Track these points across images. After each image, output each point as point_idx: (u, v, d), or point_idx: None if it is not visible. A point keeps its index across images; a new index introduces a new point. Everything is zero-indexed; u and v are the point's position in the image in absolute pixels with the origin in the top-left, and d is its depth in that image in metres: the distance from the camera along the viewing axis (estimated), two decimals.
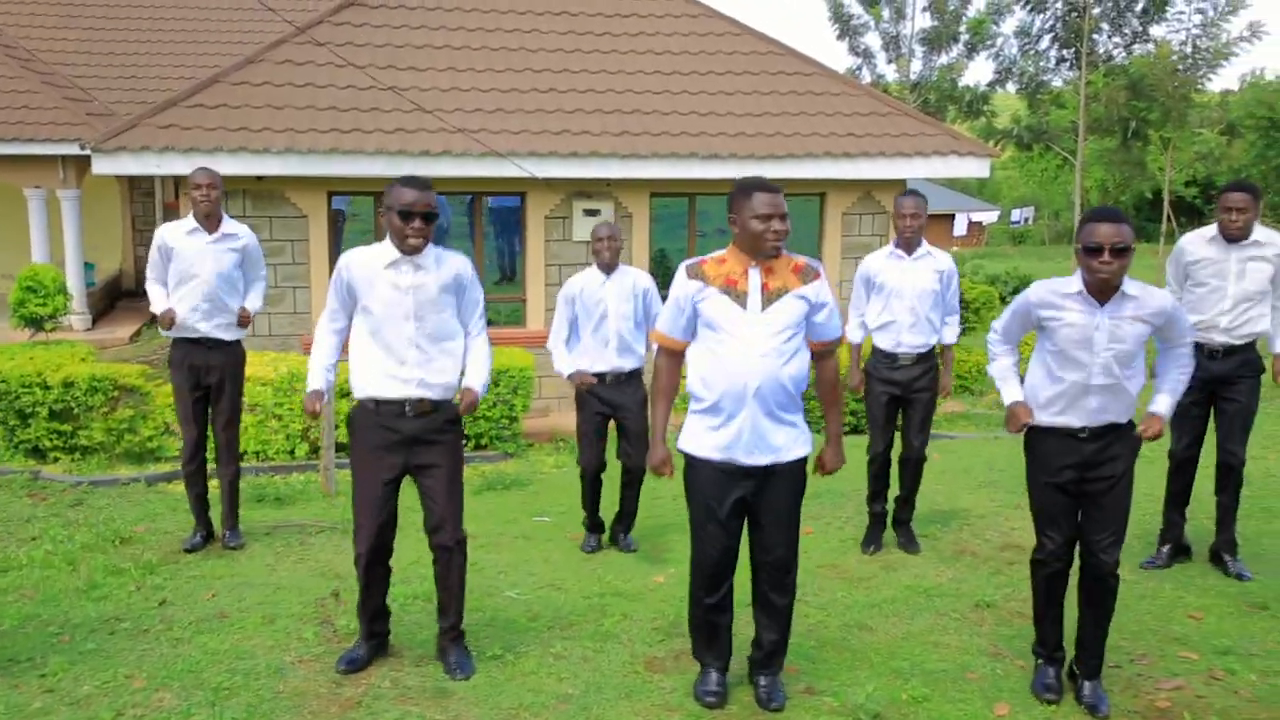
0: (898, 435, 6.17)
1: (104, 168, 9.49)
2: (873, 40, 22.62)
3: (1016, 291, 23.87)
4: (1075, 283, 3.93)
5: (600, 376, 6.09)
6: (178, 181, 10.43)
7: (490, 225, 11.42)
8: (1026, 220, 51.27)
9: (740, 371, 3.82)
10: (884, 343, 6.00)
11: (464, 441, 4.41)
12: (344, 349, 4.39)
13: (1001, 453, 8.60)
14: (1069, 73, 19.28)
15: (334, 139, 9.93)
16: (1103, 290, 3.85)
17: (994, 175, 49.82)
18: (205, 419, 6.08)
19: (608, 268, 6.03)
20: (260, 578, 5.51)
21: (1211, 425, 5.66)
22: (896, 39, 22.28)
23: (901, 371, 5.97)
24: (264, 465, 8.53)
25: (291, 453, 8.92)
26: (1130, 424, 4.06)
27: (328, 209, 10.51)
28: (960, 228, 48.17)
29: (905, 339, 5.93)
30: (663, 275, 11.69)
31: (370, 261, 4.14)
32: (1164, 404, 4.10)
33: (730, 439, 3.89)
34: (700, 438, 3.96)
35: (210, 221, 5.90)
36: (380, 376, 4.16)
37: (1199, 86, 17.96)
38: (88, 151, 9.42)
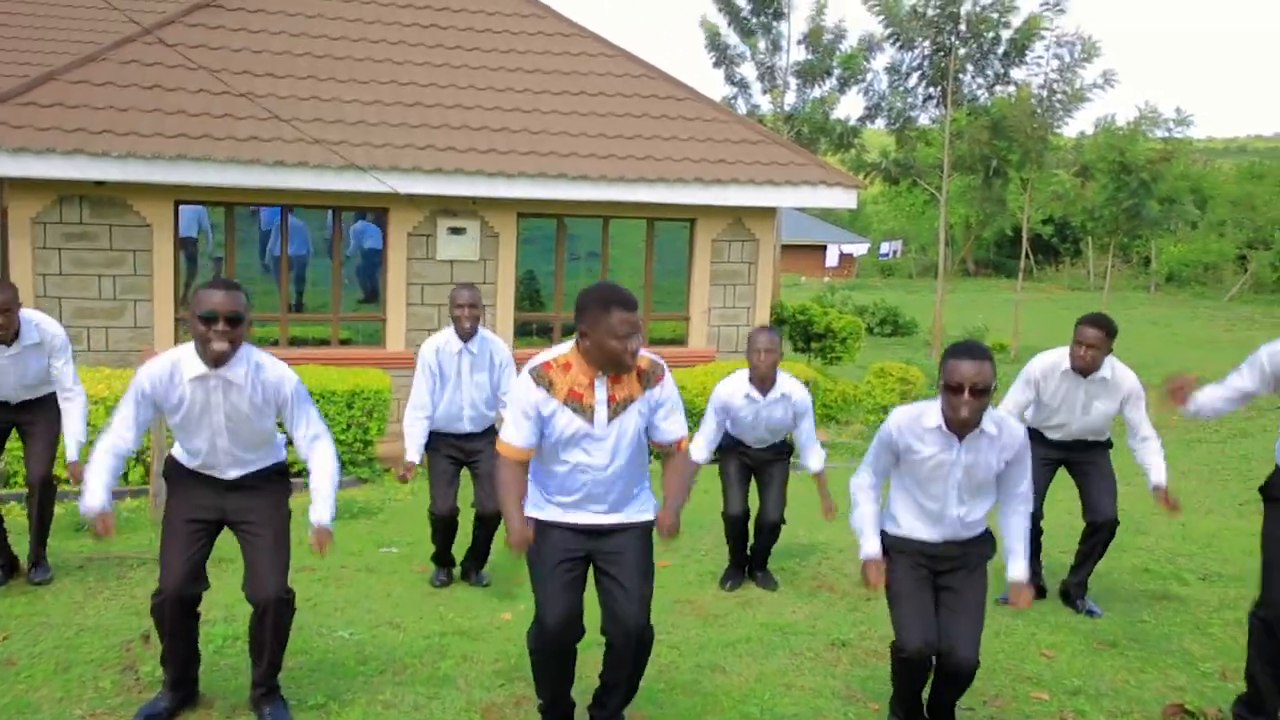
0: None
1: None
2: (749, 70, 22.79)
3: (884, 322, 24.40)
4: (935, 417, 3.81)
5: (457, 435, 5.86)
6: (2, 185, 9.69)
7: (351, 243, 11.01)
8: (895, 253, 52.66)
9: (587, 484, 3.70)
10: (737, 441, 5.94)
11: (289, 489, 4.04)
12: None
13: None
14: (935, 110, 19.77)
15: (182, 144, 9.38)
16: (963, 428, 3.75)
17: (864, 209, 51.08)
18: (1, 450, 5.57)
19: (466, 336, 5.72)
20: (62, 617, 5.01)
21: (1068, 485, 5.72)
22: (772, 70, 22.47)
23: (755, 454, 5.96)
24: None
25: (125, 476, 8.33)
26: (986, 532, 4.00)
27: (174, 218, 9.93)
28: (832, 259, 49.12)
29: (754, 447, 5.93)
30: (530, 298, 11.43)
31: (173, 376, 3.71)
32: (1021, 568, 3.97)
33: (579, 518, 3.76)
34: (544, 509, 3.79)
35: (6, 337, 5.28)
36: (191, 460, 3.86)
37: (1056, 129, 18.61)
38: None
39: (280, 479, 3.95)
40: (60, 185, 9.44)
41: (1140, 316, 27.61)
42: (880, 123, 21.01)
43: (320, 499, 3.90)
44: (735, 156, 11.43)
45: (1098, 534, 5.60)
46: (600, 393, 3.60)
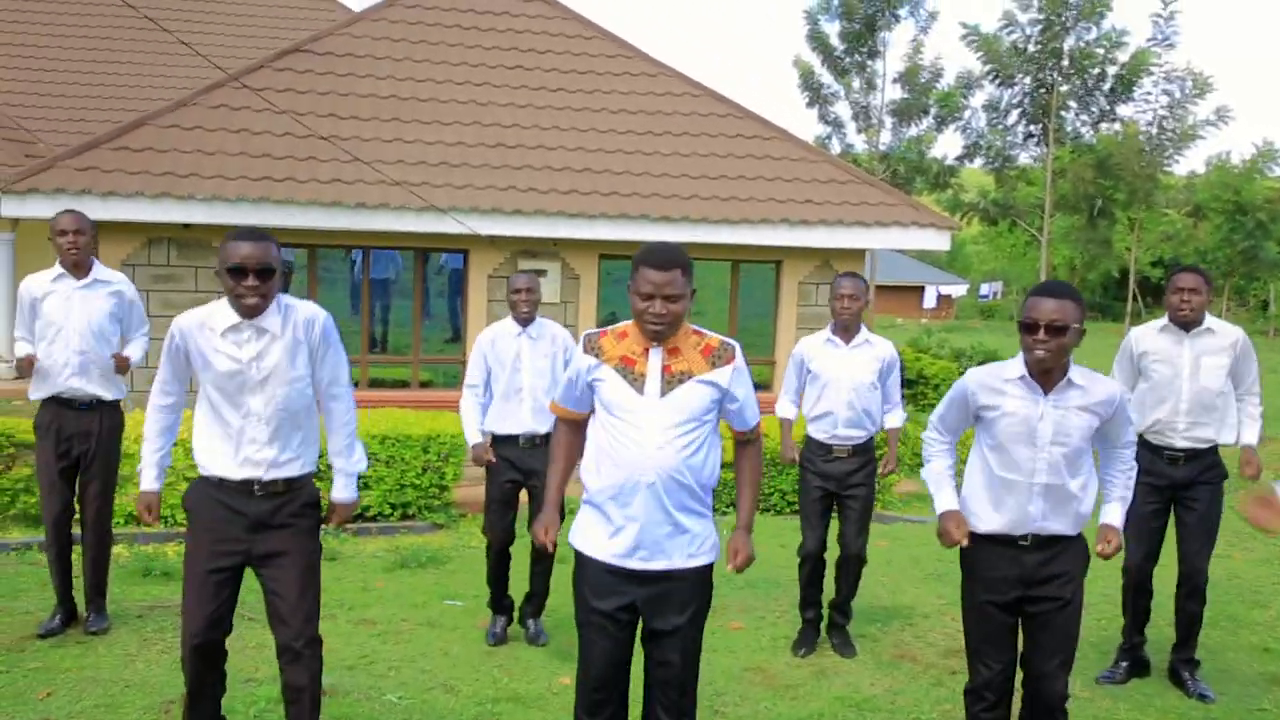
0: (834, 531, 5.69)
1: (14, 210, 8.95)
2: (843, 110, 22.54)
3: (983, 365, 23.61)
4: (1017, 367, 3.48)
5: (512, 439, 5.60)
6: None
7: (436, 282, 10.95)
8: (995, 294, 51.46)
9: (634, 463, 3.32)
10: (818, 433, 5.57)
11: (319, 523, 3.83)
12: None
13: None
14: (1036, 148, 19.15)
15: (265, 187, 9.45)
16: (1043, 374, 3.42)
17: (963, 249, 50.07)
18: (72, 489, 5.48)
19: (524, 321, 5.59)
20: (111, 672, 4.88)
21: (1172, 533, 5.20)
22: (866, 109, 22.18)
23: (836, 464, 5.54)
24: (159, 532, 7.87)
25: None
26: (1079, 538, 3.59)
27: None
28: (930, 300, 48.19)
29: (841, 432, 5.50)
30: None
31: (205, 326, 3.60)
32: (1117, 514, 3.65)
33: (623, 545, 3.39)
34: (590, 536, 3.46)
35: (79, 270, 5.36)
36: (223, 457, 3.63)
37: (1165, 168, 17.86)
38: None
39: (311, 512, 3.75)
40: (149, 228, 9.57)
41: (1260, 364, 26.27)
42: (978, 162, 20.49)
43: (340, 473, 3.82)
44: (823, 197, 11.11)
45: (1187, 591, 5.08)
46: (655, 362, 3.35)
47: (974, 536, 3.59)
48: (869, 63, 21.82)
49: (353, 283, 10.89)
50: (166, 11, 18.26)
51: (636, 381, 3.33)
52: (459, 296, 10.82)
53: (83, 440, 5.37)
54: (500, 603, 5.84)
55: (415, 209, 9.65)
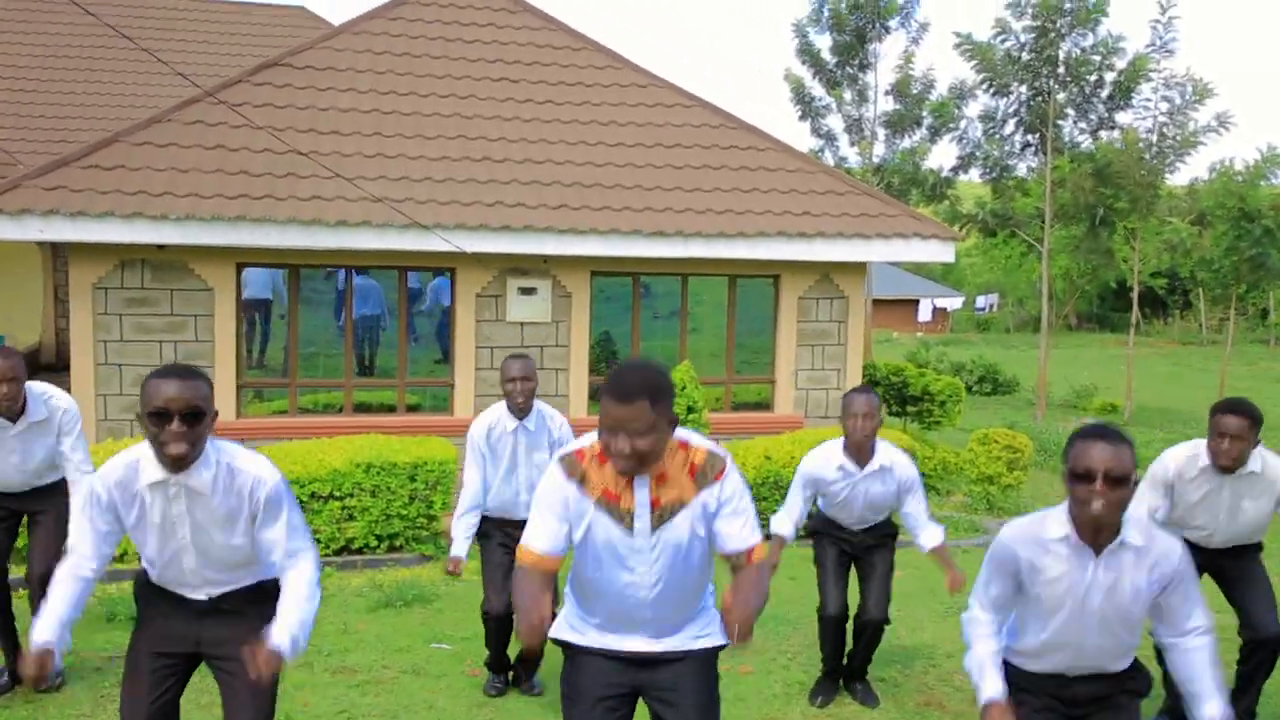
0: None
1: None
2: (835, 122, 22.20)
3: (983, 380, 23.26)
4: (1060, 525, 3.04)
5: (507, 520, 5.22)
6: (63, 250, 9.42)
7: (429, 299, 10.54)
8: (991, 307, 51.17)
9: (627, 602, 3.01)
10: (830, 514, 5.20)
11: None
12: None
13: (974, 568, 7.68)
14: (1034, 158, 18.82)
15: (242, 205, 9.04)
16: (1096, 532, 2.98)
17: (958, 261, 49.76)
18: (10, 536, 5.07)
19: (520, 411, 5.11)
20: None
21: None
22: (859, 121, 21.83)
23: (855, 538, 5.18)
24: (129, 569, 7.40)
25: None
26: (1136, 662, 3.23)
27: (236, 281, 9.57)
28: (925, 313, 47.88)
29: (856, 529, 5.19)
30: (606, 361, 10.81)
31: (131, 478, 3.10)
32: (1218, 709, 3.07)
33: (619, 641, 3.09)
34: (578, 629, 3.13)
35: (12, 412, 4.80)
36: (164, 585, 3.28)
37: (1167, 175, 17.53)
38: None
39: (268, 601, 3.27)
40: (122, 249, 9.15)
41: (1262, 373, 25.99)
42: (975, 172, 20.15)
43: (284, 619, 3.08)
44: (821, 209, 10.74)
45: (1258, 653, 4.69)
46: (641, 495, 2.91)
47: (1028, 674, 3.24)
48: (860, 75, 21.49)
49: (337, 303, 10.49)
50: (148, 29, 17.90)
51: (624, 519, 2.92)
52: (446, 317, 10.41)
53: (18, 501, 5.00)
54: (500, 661, 5.42)
55: (398, 226, 9.25)
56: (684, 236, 10.00)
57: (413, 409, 10.32)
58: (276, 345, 10.30)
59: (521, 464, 5.13)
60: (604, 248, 9.83)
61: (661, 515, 2.91)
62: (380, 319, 10.44)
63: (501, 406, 5.16)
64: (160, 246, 9.17)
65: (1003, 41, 17.92)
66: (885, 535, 5.20)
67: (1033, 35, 17.54)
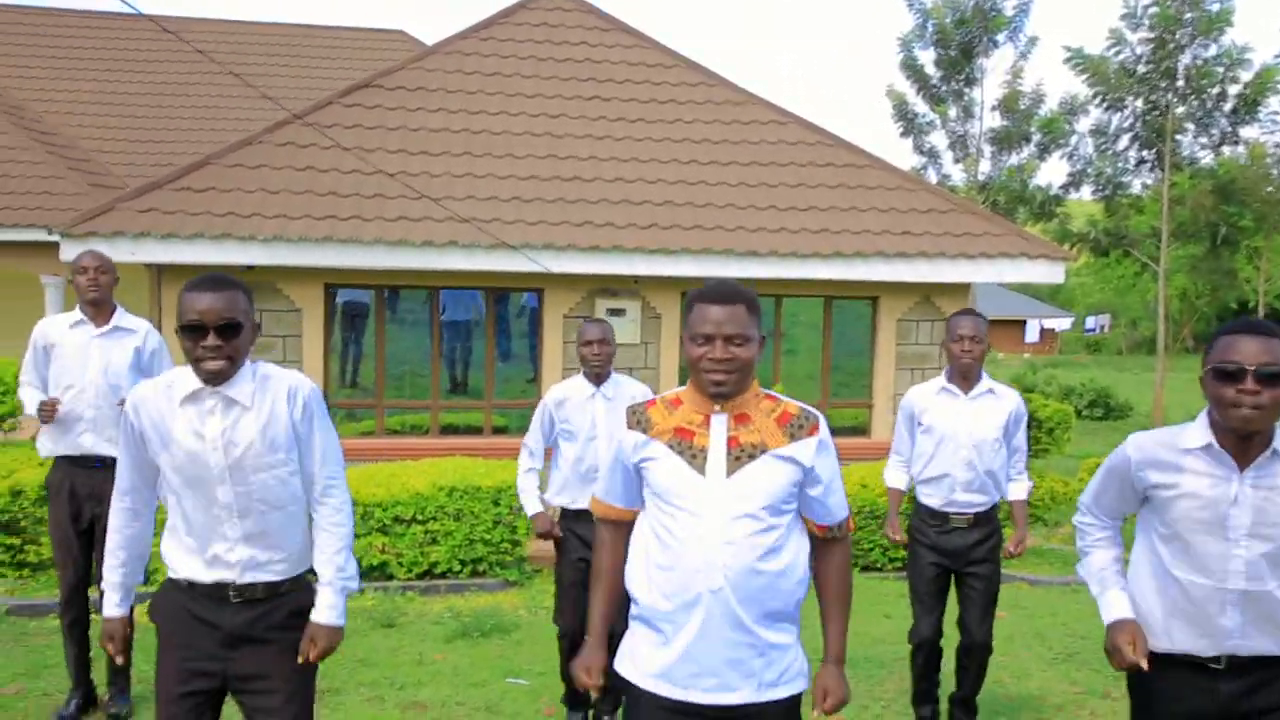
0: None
1: (73, 253, 8.63)
2: (939, 139, 21.62)
3: (1093, 404, 22.30)
4: (1200, 433, 2.64)
5: (586, 514, 4.85)
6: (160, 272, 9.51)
7: (517, 324, 10.37)
8: (1102, 328, 49.45)
9: (695, 565, 2.59)
10: (931, 499, 4.74)
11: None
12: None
13: (1085, 610, 7.16)
14: (1150, 174, 17.98)
15: (329, 226, 9.01)
16: (1243, 441, 2.56)
17: (1068, 281, 48.32)
18: (89, 555, 4.97)
19: (597, 377, 4.85)
20: None
21: None
22: (964, 138, 21.23)
23: (954, 537, 4.70)
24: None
25: None
26: None
27: (324, 302, 9.55)
28: (1032, 334, 46.49)
29: (959, 497, 4.67)
30: None
31: (162, 394, 2.93)
32: None
33: (683, 668, 2.64)
34: (640, 658, 2.72)
35: (99, 313, 4.88)
36: (189, 555, 2.98)
37: None
38: (55, 237, 8.59)
39: (301, 624, 3.04)
40: (213, 270, 9.19)
41: None
42: (1085, 190, 19.37)
43: (326, 587, 3.01)
44: (923, 228, 10.30)
45: None
46: (719, 431, 2.64)
47: (1153, 658, 2.76)
48: (966, 90, 20.92)
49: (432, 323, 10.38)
50: (249, 57, 18.31)
51: (696, 458, 2.63)
52: (535, 337, 10.25)
53: (95, 504, 4.85)
54: (577, 696, 5.14)
55: (485, 246, 9.12)
56: (778, 256, 9.67)
57: (499, 430, 10.17)
58: (370, 365, 10.26)
59: (600, 436, 4.82)
60: (695, 268, 9.55)
61: (739, 457, 2.61)
62: (470, 325, 10.24)
63: (579, 376, 4.92)
64: (249, 267, 9.19)
65: (1117, 54, 17.19)
66: (989, 535, 4.71)
67: (1150, 47, 16.77)
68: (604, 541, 2.90)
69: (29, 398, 4.89)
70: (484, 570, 8.35)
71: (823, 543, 2.78)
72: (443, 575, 8.26)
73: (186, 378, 2.90)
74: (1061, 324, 48.10)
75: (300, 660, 2.97)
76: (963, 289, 10.62)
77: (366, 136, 10.04)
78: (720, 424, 2.64)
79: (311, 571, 3.11)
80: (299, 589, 3.07)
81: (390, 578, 8.07)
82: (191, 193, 9.08)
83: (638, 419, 2.73)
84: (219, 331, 2.78)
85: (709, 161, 10.61)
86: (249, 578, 2.96)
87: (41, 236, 13.10)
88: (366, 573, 8.03)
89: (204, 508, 2.93)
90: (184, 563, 2.98)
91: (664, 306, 10.06)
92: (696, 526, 2.59)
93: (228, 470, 2.90)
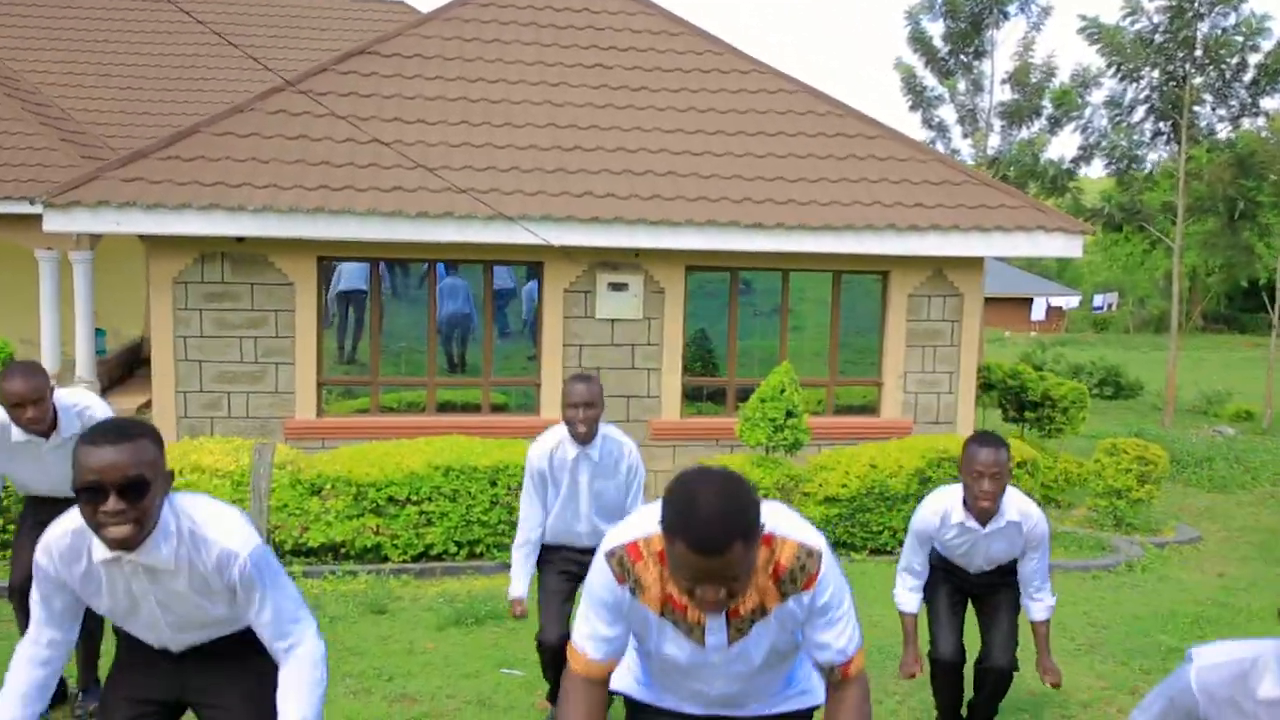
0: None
1: (56, 224, 8.34)
2: (948, 113, 21.37)
3: (1103, 383, 21.96)
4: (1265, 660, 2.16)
5: (573, 549, 4.73)
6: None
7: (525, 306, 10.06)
8: (1110, 306, 49.03)
9: (698, 699, 2.52)
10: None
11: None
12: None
13: (1106, 597, 6.88)
14: (1165, 148, 17.58)
15: (321, 197, 8.70)
16: None
17: (1073, 258, 47.88)
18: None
19: (583, 439, 4.54)
20: None
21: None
22: (973, 112, 20.86)
23: (975, 578, 4.50)
24: None
25: None
26: None
27: (317, 275, 9.24)
28: (1039, 312, 46.09)
29: (975, 575, 4.48)
30: (701, 360, 10.22)
31: (80, 552, 2.56)
32: None
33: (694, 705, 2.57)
34: (642, 680, 2.59)
35: (44, 429, 4.33)
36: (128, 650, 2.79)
37: None
38: (37, 209, 8.29)
39: (259, 643, 2.77)
40: (202, 242, 8.90)
41: None
42: (1098, 164, 18.99)
43: (292, 710, 2.60)
44: (935, 200, 9.96)
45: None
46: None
47: None
48: (975, 63, 20.54)
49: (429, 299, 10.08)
50: (251, 27, 17.94)
51: (693, 632, 2.37)
52: (533, 312, 9.95)
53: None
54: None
55: (482, 218, 8.80)
56: (785, 229, 9.34)
57: (498, 409, 9.88)
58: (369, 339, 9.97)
59: (583, 492, 4.60)
60: (700, 241, 9.24)
61: (740, 627, 2.36)
62: (470, 317, 10.01)
63: (562, 430, 4.62)
64: (240, 239, 8.89)
65: (1133, 23, 16.76)
66: (1009, 572, 4.48)
67: (1167, 16, 16.34)
68: (577, 693, 2.45)
69: None
70: (481, 553, 8.09)
71: (827, 685, 2.47)
72: (438, 558, 8.00)
73: (100, 544, 2.52)
74: (1069, 302, 47.66)
75: None
76: (976, 263, 10.29)
77: (361, 104, 9.71)
78: None
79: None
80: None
81: (384, 560, 7.82)
82: (180, 161, 8.77)
83: (625, 572, 2.35)
84: (122, 493, 2.37)
85: (715, 131, 10.27)
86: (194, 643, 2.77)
87: (32, 210, 12.82)
88: (360, 555, 7.78)
89: (143, 634, 2.70)
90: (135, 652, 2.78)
91: (667, 280, 9.74)
92: (698, 685, 2.47)
93: (160, 618, 2.63)
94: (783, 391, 8.72)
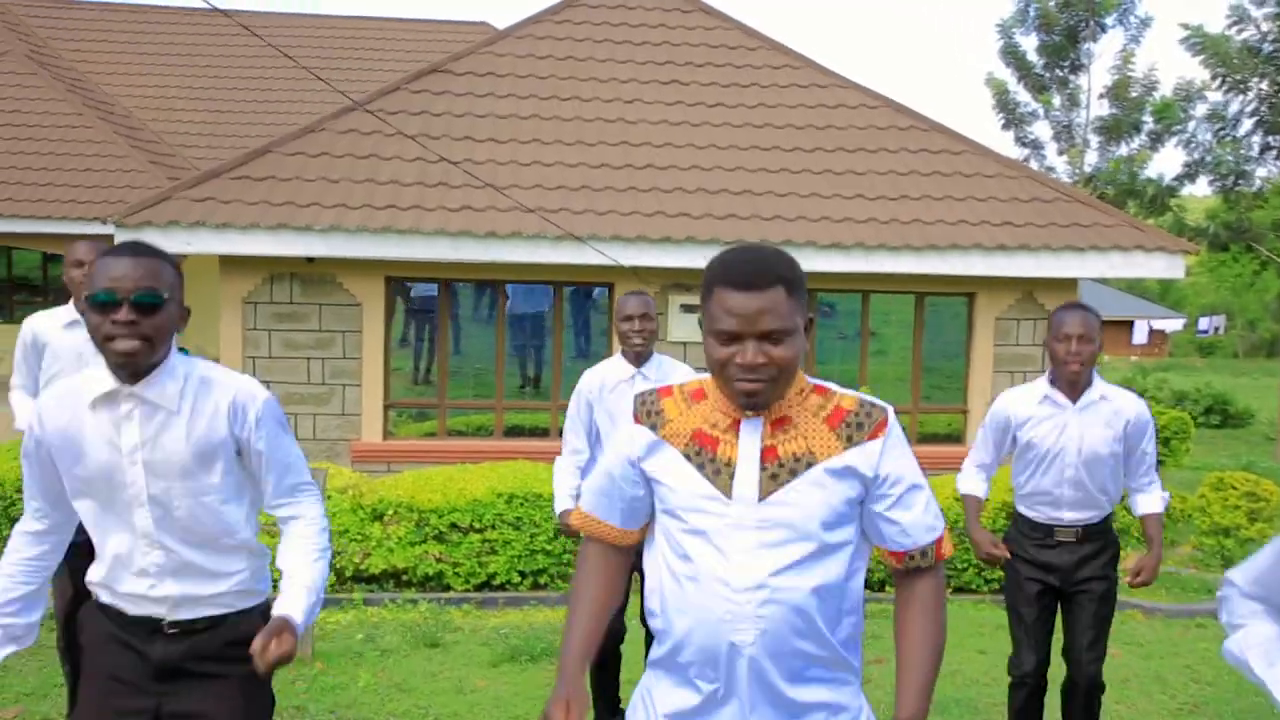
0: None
1: None
2: (1042, 130, 20.66)
3: (1210, 411, 20.92)
4: None
5: None
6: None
7: (573, 318, 9.81)
8: (1216, 330, 47.15)
9: (716, 613, 2.00)
10: (1033, 513, 4.04)
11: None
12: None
13: (1212, 648, 6.33)
14: (1276, 163, 16.70)
15: (389, 216, 8.59)
16: None
17: (1176, 280, 46.17)
18: (79, 575, 4.54)
19: (638, 357, 4.31)
20: None
21: None
22: (1069, 128, 20.19)
23: (1060, 552, 3.98)
24: None
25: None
26: None
27: (385, 296, 9.14)
28: (1140, 335, 44.52)
29: (1065, 515, 3.96)
30: None
31: (73, 399, 2.40)
32: None
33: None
34: (660, 703, 2.13)
35: None
36: (111, 583, 2.47)
37: None
38: (109, 228, 8.34)
39: (246, 660, 2.44)
40: (272, 262, 8.86)
41: None
42: (1202, 181, 18.15)
43: (291, 586, 2.45)
44: (1025, 218, 9.48)
45: None
46: (750, 441, 2.02)
47: None
48: (1071, 78, 19.93)
49: (512, 318, 9.86)
50: (329, 48, 18.17)
51: (720, 473, 2.02)
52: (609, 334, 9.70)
53: None
54: (612, 707, 4.60)
55: (551, 238, 8.60)
56: (865, 249, 8.96)
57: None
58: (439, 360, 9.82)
59: None
60: None
61: (776, 474, 1.99)
62: (544, 316, 9.70)
63: (615, 357, 4.39)
64: (309, 260, 8.83)
65: (1239, 32, 15.98)
66: (1102, 549, 3.99)
67: (1277, 24, 15.54)
68: (587, 558, 2.27)
69: (20, 405, 4.42)
70: (545, 583, 7.85)
71: (902, 574, 2.13)
72: (501, 587, 7.78)
73: (100, 376, 2.38)
74: (1172, 325, 45.96)
75: (261, 658, 2.33)
76: (1069, 285, 9.76)
77: (432, 123, 9.61)
78: (753, 431, 2.02)
79: (264, 609, 2.57)
80: (248, 619, 2.53)
81: (446, 588, 7.62)
82: (251, 181, 8.75)
83: (647, 410, 2.11)
84: (135, 305, 2.27)
85: (792, 148, 9.94)
86: (183, 614, 2.46)
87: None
88: (421, 583, 7.60)
89: (121, 536, 2.42)
90: (106, 588, 2.49)
91: None
92: (719, 564, 1.99)
93: (145, 491, 2.38)
94: None
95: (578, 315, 9.77)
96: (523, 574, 7.80)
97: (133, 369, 2.33)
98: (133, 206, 8.49)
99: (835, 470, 2.01)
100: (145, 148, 15.16)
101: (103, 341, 2.30)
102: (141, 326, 2.28)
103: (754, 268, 1.94)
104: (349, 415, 9.15)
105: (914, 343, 9.82)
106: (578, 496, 4.36)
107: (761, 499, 1.99)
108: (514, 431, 9.59)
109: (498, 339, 9.48)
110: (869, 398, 2.09)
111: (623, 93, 10.34)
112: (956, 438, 9.87)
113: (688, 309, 9.36)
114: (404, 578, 7.62)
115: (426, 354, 9.75)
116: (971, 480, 4.19)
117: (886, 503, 2.04)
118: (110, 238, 9.32)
